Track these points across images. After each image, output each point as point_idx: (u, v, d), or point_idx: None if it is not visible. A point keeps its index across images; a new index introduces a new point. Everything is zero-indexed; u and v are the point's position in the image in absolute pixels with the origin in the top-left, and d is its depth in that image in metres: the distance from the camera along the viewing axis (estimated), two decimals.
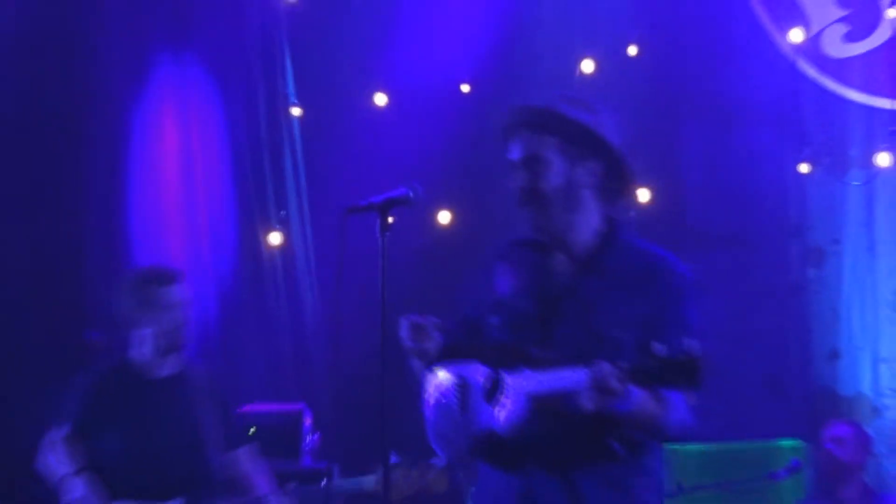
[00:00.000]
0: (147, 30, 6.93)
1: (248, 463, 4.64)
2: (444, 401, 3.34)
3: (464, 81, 6.82)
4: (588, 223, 3.37)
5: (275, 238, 6.97)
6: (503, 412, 3.18)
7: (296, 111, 7.06)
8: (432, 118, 6.78)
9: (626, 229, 3.45)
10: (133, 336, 4.61)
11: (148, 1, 6.93)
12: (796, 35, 6.82)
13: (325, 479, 5.19)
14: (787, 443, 6.12)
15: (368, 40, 7.05)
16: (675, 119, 7.01)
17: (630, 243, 3.43)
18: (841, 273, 6.82)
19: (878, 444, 6.36)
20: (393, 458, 4.58)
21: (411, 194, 3.30)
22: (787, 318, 6.85)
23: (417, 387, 3.41)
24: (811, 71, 6.88)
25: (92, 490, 4.45)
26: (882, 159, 6.65)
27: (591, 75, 6.93)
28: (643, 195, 6.74)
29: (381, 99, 6.97)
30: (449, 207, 6.84)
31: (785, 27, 6.87)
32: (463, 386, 3.33)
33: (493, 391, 3.33)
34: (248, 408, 5.65)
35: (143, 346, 4.56)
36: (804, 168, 6.77)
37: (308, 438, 5.73)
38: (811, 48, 6.88)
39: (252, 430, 5.29)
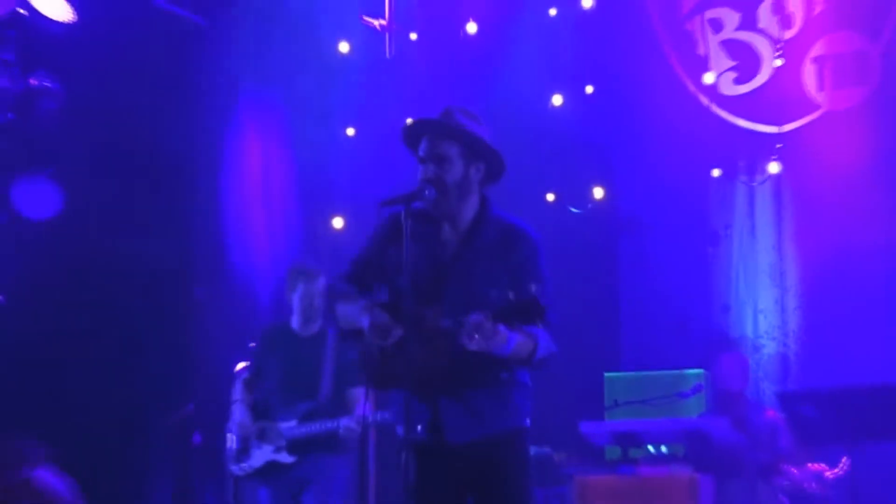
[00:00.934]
0: (234, 68, 7.41)
1: (357, 394, 5.34)
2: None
3: None
4: (471, 205, 3.62)
5: (337, 222, 7.40)
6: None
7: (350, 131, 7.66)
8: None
9: (493, 205, 3.66)
10: (291, 308, 5.63)
11: (235, 44, 7.33)
12: (709, 77, 7.43)
13: None
14: (692, 371, 6.46)
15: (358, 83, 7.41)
16: (616, 137, 7.58)
17: (497, 216, 3.63)
18: (731, 249, 7.33)
19: (756, 373, 6.96)
20: None
21: (426, 191, 3.54)
22: (692, 280, 7.35)
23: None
24: (713, 106, 7.48)
25: (248, 416, 5.40)
26: (772, 167, 7.21)
27: (559, 107, 7.41)
28: (598, 192, 7.44)
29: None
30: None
31: (696, 73, 7.47)
32: None
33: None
34: None
35: (296, 315, 5.68)
36: (716, 172, 7.25)
37: None
38: (712, 89, 7.44)
39: None
